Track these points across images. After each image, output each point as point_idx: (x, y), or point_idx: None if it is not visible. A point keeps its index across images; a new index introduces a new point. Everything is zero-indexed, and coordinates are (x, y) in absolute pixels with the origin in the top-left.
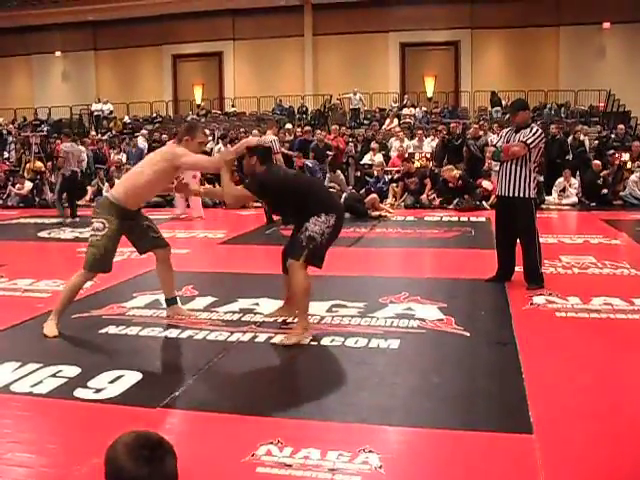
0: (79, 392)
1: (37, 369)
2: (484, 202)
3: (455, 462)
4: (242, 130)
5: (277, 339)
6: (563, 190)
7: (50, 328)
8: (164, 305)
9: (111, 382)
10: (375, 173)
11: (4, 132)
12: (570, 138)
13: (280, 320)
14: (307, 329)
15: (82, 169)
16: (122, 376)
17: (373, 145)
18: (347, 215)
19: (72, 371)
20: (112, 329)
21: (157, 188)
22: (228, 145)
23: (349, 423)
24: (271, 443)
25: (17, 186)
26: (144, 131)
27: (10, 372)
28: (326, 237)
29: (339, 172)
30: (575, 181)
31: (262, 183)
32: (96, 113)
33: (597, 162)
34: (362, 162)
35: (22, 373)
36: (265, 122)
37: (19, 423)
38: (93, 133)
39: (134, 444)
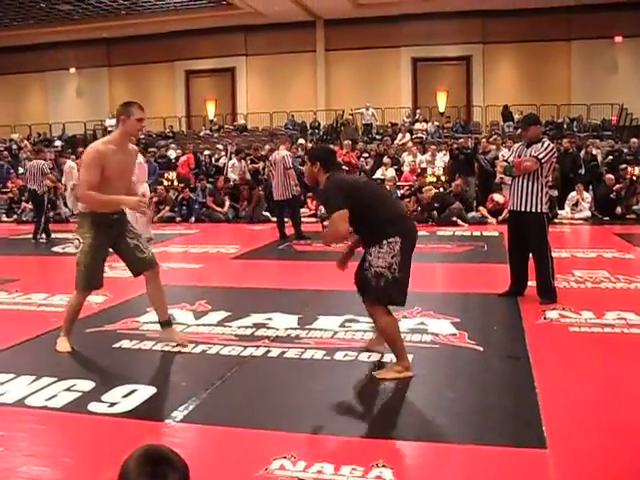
0: (93, 406)
1: (52, 383)
2: (490, 217)
3: (469, 477)
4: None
5: (291, 353)
6: (576, 204)
7: (62, 344)
8: (178, 320)
9: (125, 396)
10: (387, 188)
11: (14, 148)
12: (582, 152)
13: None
14: (408, 369)
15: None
16: (136, 390)
17: (385, 160)
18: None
19: (86, 385)
20: (126, 343)
21: (109, 188)
22: (242, 161)
23: (362, 438)
24: (284, 457)
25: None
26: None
27: (25, 386)
28: (397, 267)
29: None
30: (588, 195)
31: (339, 191)
32: (109, 128)
33: (610, 176)
34: (374, 177)
35: (37, 387)
36: (278, 137)
37: (34, 436)
38: None
39: (141, 459)
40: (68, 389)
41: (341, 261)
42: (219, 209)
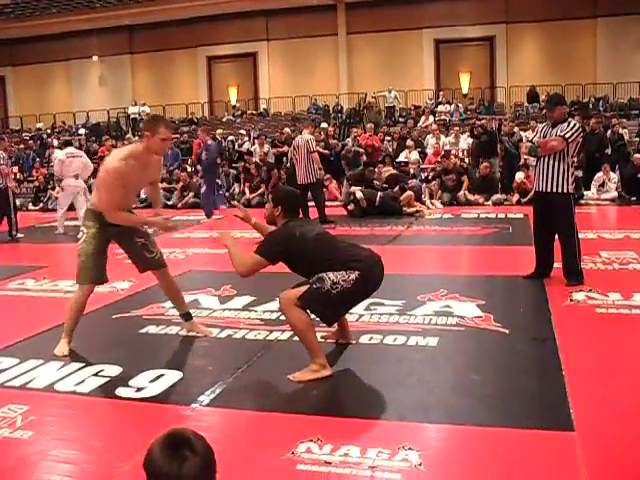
0: (121, 391)
1: (80, 368)
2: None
3: (495, 459)
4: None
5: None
6: (602, 185)
7: (60, 347)
8: (203, 305)
9: (152, 381)
10: (411, 171)
11: (44, 137)
12: (609, 132)
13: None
14: (325, 367)
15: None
16: (162, 375)
17: (408, 143)
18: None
19: (114, 370)
20: (152, 329)
21: (123, 201)
22: (264, 145)
23: (388, 420)
24: (311, 440)
25: (57, 189)
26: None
27: (54, 371)
28: (340, 290)
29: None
30: (614, 175)
31: (279, 244)
32: (133, 116)
33: (638, 156)
34: (398, 160)
35: (65, 372)
36: (300, 122)
37: (63, 421)
38: (130, 136)
39: (164, 440)
40: (96, 374)
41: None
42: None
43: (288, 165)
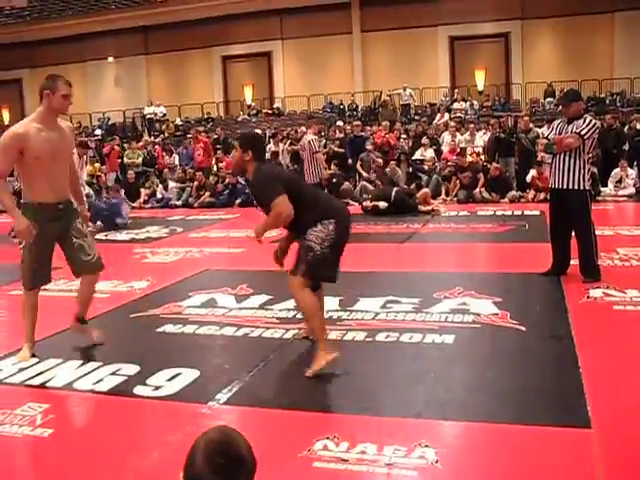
0: (138, 389)
1: (98, 367)
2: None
3: (512, 457)
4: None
5: (333, 335)
6: (620, 181)
7: (23, 353)
8: (220, 304)
9: (169, 380)
10: (426, 168)
11: None
12: (626, 127)
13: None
14: (330, 353)
15: None
16: (180, 374)
17: (424, 141)
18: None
19: (131, 369)
20: (169, 328)
21: (42, 171)
22: (279, 144)
23: (405, 418)
24: (327, 438)
25: None
26: None
27: (73, 370)
28: (327, 245)
29: (397, 168)
30: (632, 171)
31: (275, 180)
32: (149, 116)
33: None
34: (414, 158)
35: (84, 371)
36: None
37: (82, 419)
38: (146, 137)
39: (216, 446)
40: (114, 373)
41: (281, 252)
42: None
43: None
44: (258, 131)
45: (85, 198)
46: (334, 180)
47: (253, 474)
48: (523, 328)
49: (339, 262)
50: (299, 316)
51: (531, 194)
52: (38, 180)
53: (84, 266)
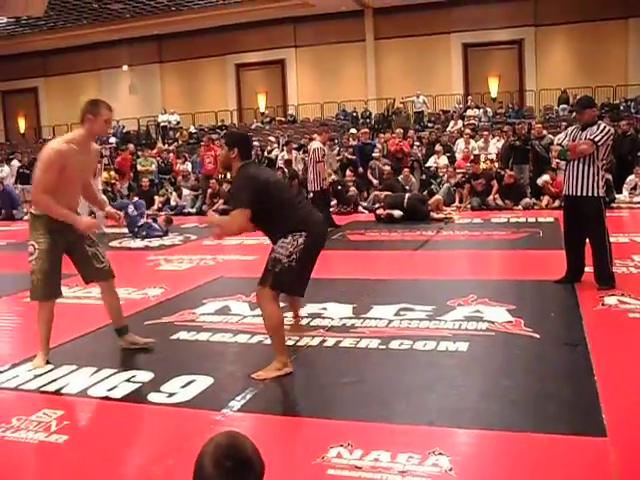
0: (153, 396)
1: (112, 374)
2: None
3: (526, 465)
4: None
5: (347, 342)
6: (635, 187)
7: (38, 360)
8: (234, 311)
9: (183, 387)
10: (441, 174)
11: None
12: None
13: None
14: (287, 365)
15: None
16: (194, 381)
17: (437, 148)
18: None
19: (146, 376)
20: (183, 335)
21: (68, 190)
22: (292, 152)
23: (419, 425)
24: (341, 445)
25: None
26: None
27: (87, 377)
28: (296, 258)
29: (411, 175)
30: None
31: (248, 186)
32: (163, 124)
33: None
34: (427, 165)
35: (98, 378)
36: (329, 128)
37: (97, 426)
38: (160, 145)
39: (223, 450)
40: (128, 380)
41: None
42: None
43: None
44: (271, 138)
45: None
46: (339, 187)
47: (262, 477)
48: (537, 336)
49: (309, 276)
50: (312, 323)
51: (545, 200)
52: (56, 195)
53: (99, 273)
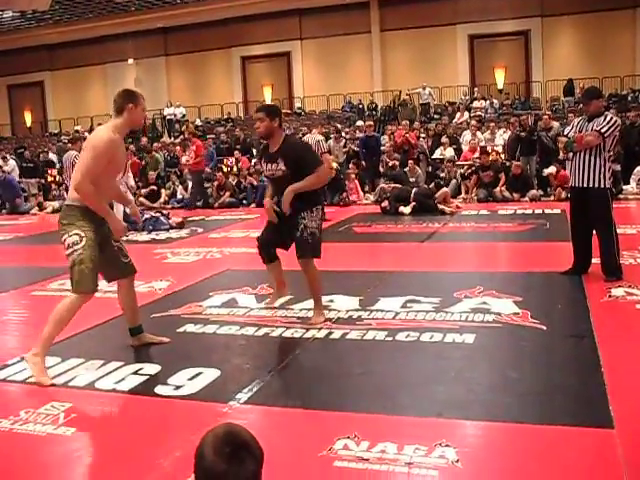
0: (160, 389)
1: (119, 367)
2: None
3: (534, 457)
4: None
5: (353, 334)
6: None
7: (43, 378)
8: (241, 303)
9: (190, 379)
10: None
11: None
12: None
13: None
14: (322, 314)
15: None
16: (200, 373)
17: (443, 140)
18: (402, 208)
19: (153, 369)
20: (190, 327)
21: (110, 182)
22: None
23: (425, 417)
24: (348, 437)
25: None
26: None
27: (95, 370)
28: (321, 227)
29: (416, 167)
30: None
31: (310, 147)
32: (168, 117)
33: None
34: (433, 157)
35: (106, 370)
36: (335, 120)
37: (104, 418)
38: (164, 139)
39: (221, 438)
40: (135, 372)
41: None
42: None
43: None
44: None
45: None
46: (342, 176)
47: (261, 462)
48: (544, 327)
49: None
50: None
51: (558, 193)
52: (104, 190)
53: (124, 268)
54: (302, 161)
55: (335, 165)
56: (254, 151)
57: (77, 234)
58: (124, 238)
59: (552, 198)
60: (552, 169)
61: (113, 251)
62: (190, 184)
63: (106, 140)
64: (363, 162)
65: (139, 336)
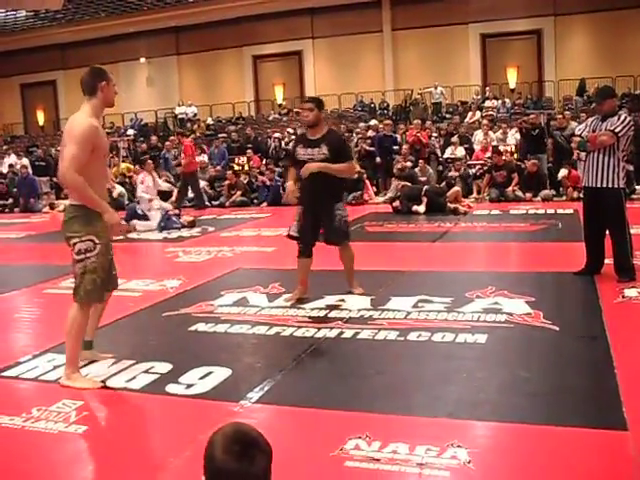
0: (171, 387)
1: (131, 365)
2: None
3: (546, 458)
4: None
5: (365, 334)
6: None
7: (85, 382)
8: (252, 302)
9: (201, 378)
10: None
11: None
12: None
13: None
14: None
15: None
16: (212, 372)
17: (453, 139)
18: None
19: (164, 367)
20: (201, 326)
21: (100, 172)
22: None
23: (437, 418)
24: (359, 437)
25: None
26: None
27: (106, 368)
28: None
29: (427, 166)
30: None
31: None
32: (180, 116)
33: None
34: (445, 156)
35: (117, 369)
36: (346, 119)
37: (115, 416)
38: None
39: (230, 437)
40: (147, 371)
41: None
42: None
43: None
44: (289, 130)
45: (120, 197)
46: (362, 179)
47: (270, 459)
48: (556, 328)
49: None
50: (330, 315)
51: (570, 193)
52: (96, 181)
53: (112, 281)
54: (342, 150)
55: (358, 168)
56: (266, 150)
57: (91, 240)
58: (121, 237)
59: (564, 198)
60: (564, 172)
61: (111, 261)
62: (202, 183)
63: (87, 126)
64: (378, 159)
65: (90, 351)
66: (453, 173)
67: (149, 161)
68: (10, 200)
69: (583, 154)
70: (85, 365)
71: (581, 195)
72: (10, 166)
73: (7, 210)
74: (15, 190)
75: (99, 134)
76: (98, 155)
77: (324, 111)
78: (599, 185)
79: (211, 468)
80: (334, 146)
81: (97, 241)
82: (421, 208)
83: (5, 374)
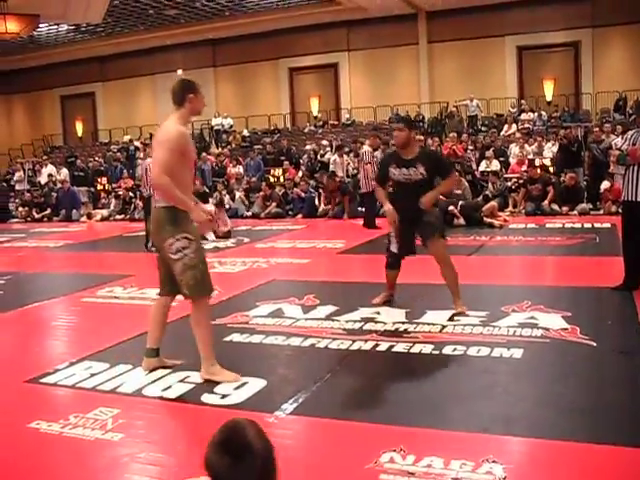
0: (206, 397)
1: (166, 374)
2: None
3: (582, 476)
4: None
5: (400, 347)
6: None
7: (225, 374)
8: (287, 314)
9: (236, 388)
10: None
11: (131, 149)
12: None
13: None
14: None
15: None
16: (246, 383)
17: (487, 154)
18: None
19: (199, 377)
20: (236, 337)
21: (186, 179)
22: (344, 156)
23: (472, 432)
24: (394, 451)
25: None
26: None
27: (142, 377)
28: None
29: (462, 179)
30: None
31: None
32: (216, 127)
33: None
34: (479, 169)
35: (153, 378)
36: (382, 131)
37: (151, 425)
38: (212, 149)
39: (219, 438)
40: (182, 380)
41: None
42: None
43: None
44: (324, 142)
45: None
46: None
47: (269, 458)
48: (594, 344)
49: None
50: (365, 327)
51: (608, 206)
52: (183, 184)
53: (177, 286)
54: (442, 166)
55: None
56: (301, 162)
57: (186, 237)
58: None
59: (601, 212)
60: (606, 184)
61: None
62: (237, 194)
63: (176, 133)
64: None
65: (158, 359)
66: (490, 187)
67: None
68: (48, 210)
69: (620, 167)
70: (126, 372)
71: (619, 209)
72: (49, 175)
73: (46, 219)
74: (55, 201)
75: (188, 141)
76: (186, 160)
77: (359, 123)
78: (639, 199)
79: (206, 468)
80: (432, 165)
81: (192, 237)
82: (460, 221)
83: (43, 381)
